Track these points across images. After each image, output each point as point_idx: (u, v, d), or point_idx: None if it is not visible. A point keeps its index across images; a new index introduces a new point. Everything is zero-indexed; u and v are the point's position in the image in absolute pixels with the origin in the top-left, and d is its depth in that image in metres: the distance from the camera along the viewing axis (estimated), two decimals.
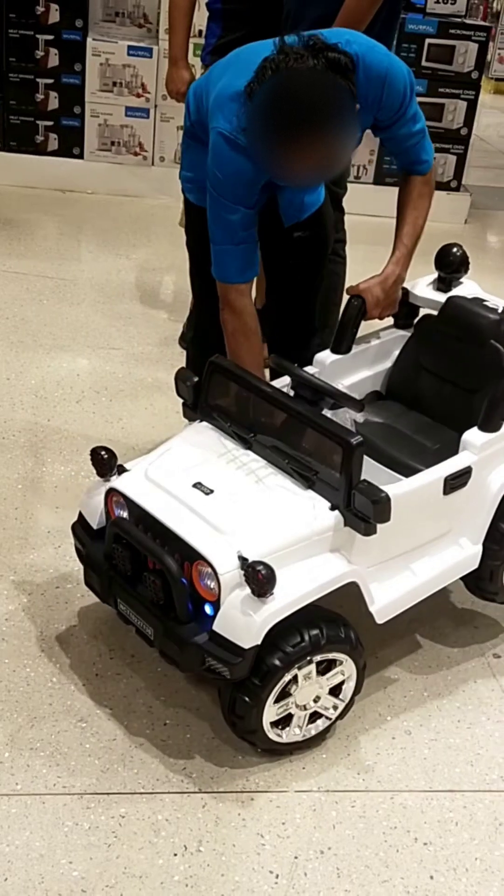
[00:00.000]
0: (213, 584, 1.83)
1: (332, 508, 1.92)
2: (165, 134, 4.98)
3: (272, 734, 1.92)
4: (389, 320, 2.51)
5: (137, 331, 3.69)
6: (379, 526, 1.88)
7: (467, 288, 2.47)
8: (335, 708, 1.99)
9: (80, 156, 4.99)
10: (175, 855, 1.78)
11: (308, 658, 1.87)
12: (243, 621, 1.79)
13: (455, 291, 2.44)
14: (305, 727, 1.97)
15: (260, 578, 1.76)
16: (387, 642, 2.32)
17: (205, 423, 2.16)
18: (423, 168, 2.32)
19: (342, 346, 2.39)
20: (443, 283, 2.47)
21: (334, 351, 2.40)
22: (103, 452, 2.05)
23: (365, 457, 2.07)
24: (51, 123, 4.92)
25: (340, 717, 2.02)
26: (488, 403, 2.12)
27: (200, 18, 3.65)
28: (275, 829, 1.86)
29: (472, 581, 2.27)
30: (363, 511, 1.87)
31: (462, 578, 2.23)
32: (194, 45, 4.12)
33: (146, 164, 5.05)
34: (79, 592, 2.31)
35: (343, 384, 2.37)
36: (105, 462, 2.05)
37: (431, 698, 2.19)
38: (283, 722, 1.93)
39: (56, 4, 4.70)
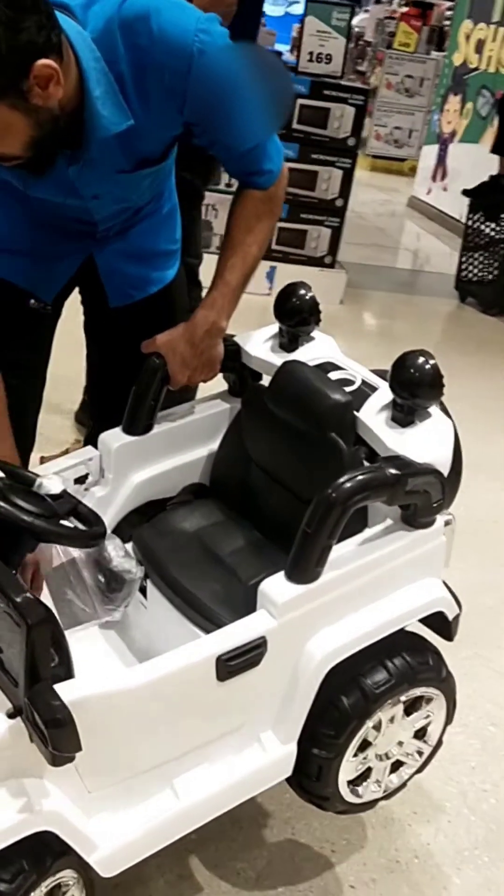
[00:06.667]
0: None
1: (12, 715, 1.20)
2: None
3: None
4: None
5: None
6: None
7: (319, 346, 1.73)
8: None
9: None
10: None
11: None
12: None
13: (302, 351, 1.72)
14: None
15: None
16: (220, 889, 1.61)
17: None
18: (262, 180, 1.65)
19: (137, 424, 1.68)
20: (286, 339, 1.74)
21: (127, 431, 1.68)
22: None
23: (162, 596, 1.50)
24: None
25: None
26: (298, 539, 1.38)
27: None
28: None
29: (296, 783, 1.54)
30: (41, 729, 1.15)
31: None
32: None
33: None
34: None
35: (139, 476, 1.69)
36: None
37: None
38: None
39: None
